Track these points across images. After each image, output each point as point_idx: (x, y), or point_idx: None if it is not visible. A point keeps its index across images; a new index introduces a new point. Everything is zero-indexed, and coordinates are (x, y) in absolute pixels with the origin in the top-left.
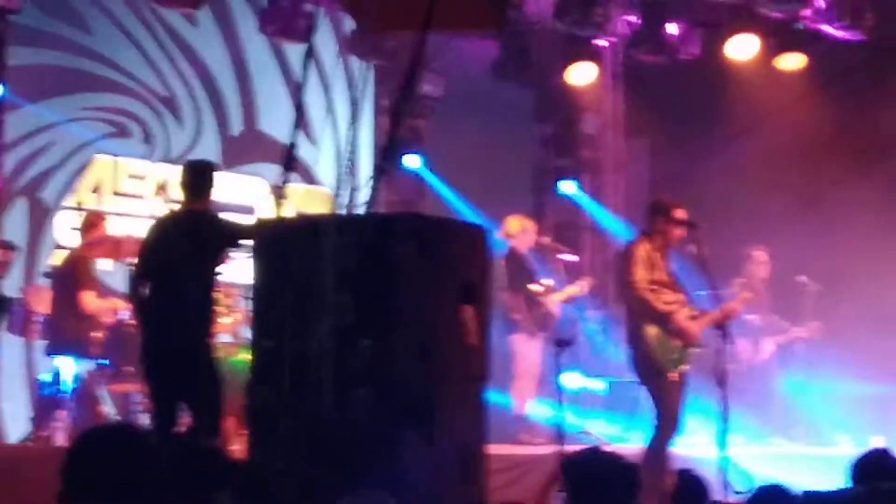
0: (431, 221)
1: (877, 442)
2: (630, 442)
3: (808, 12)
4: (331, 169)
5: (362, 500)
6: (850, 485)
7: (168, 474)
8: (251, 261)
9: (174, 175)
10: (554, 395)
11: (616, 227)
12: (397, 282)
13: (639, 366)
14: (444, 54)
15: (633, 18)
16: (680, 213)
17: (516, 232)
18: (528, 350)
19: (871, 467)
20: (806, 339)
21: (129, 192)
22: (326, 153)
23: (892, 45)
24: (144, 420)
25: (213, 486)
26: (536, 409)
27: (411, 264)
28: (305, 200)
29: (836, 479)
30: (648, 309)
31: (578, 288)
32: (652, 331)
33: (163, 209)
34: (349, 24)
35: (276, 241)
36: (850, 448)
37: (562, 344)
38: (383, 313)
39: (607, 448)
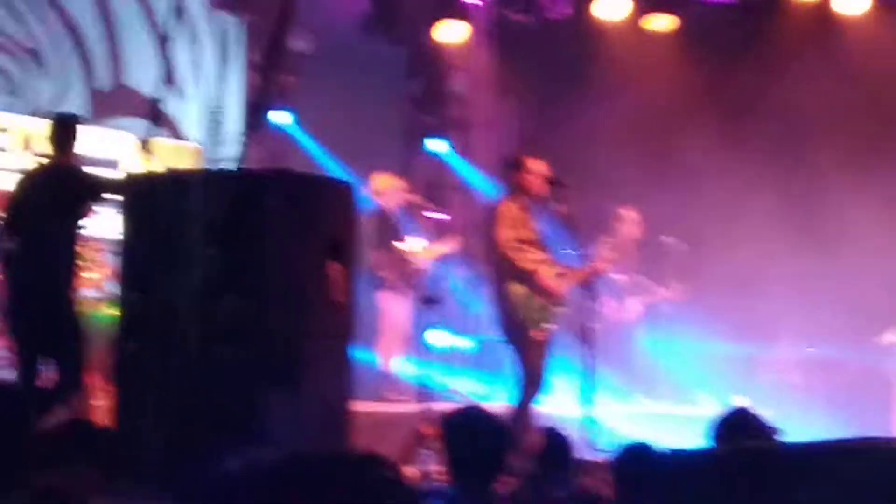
0: (299, 177)
1: (739, 401)
2: (496, 400)
3: None
4: (199, 124)
5: (248, 457)
6: (711, 443)
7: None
8: (118, 215)
9: (40, 128)
10: (420, 352)
11: (484, 185)
12: (264, 237)
13: (504, 324)
14: (314, 10)
15: None
16: (536, 165)
17: (384, 189)
18: (394, 307)
19: (733, 426)
20: (671, 299)
21: None
22: (195, 108)
23: (760, 7)
24: (10, 375)
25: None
26: (402, 367)
27: (278, 220)
28: (173, 155)
29: (699, 438)
30: (513, 267)
31: (447, 246)
32: (517, 289)
33: (29, 162)
34: None
35: (144, 195)
36: (712, 407)
37: (429, 302)
38: (250, 268)
39: (479, 406)
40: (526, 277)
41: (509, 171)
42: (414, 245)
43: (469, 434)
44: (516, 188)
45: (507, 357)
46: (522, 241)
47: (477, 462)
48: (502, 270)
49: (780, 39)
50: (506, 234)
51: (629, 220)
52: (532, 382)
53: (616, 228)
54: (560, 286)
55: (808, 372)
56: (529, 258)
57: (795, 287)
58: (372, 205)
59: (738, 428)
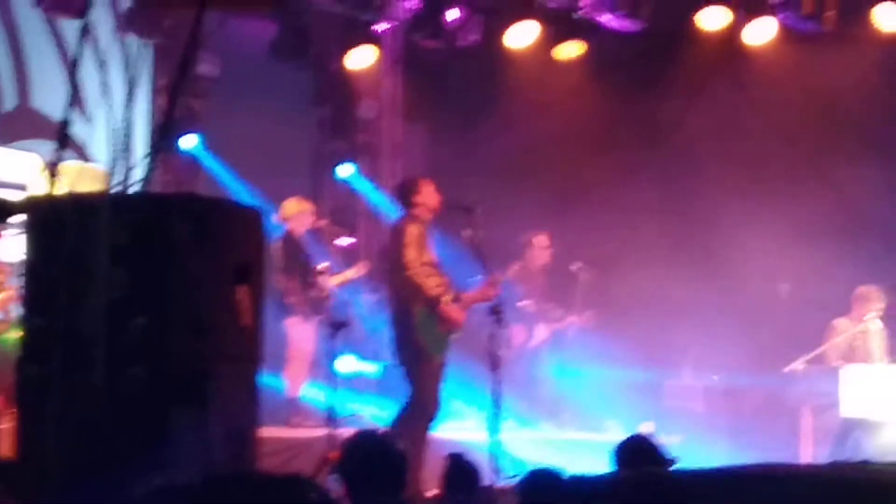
0: (206, 201)
1: (646, 427)
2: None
3: (586, 1)
4: (105, 147)
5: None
6: (613, 469)
7: None
8: (23, 237)
9: None
10: (327, 378)
11: (392, 211)
12: (171, 260)
13: (402, 348)
14: (223, 34)
15: (412, 3)
16: (429, 188)
17: (293, 214)
18: (301, 333)
19: (632, 452)
20: (579, 325)
21: None
22: (101, 131)
23: (669, 35)
24: None
25: None
26: (309, 392)
27: (186, 243)
28: (79, 178)
29: (605, 465)
30: (420, 292)
31: (355, 271)
32: (421, 314)
33: None
34: (126, 1)
35: (49, 217)
36: (618, 434)
37: (336, 327)
38: (157, 291)
39: (378, 431)
40: (430, 303)
41: (405, 193)
42: (322, 270)
43: (366, 458)
44: (414, 209)
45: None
46: (426, 265)
47: (374, 486)
48: (407, 294)
49: (688, 68)
50: (413, 256)
51: (539, 246)
52: (424, 408)
53: (526, 254)
54: (459, 315)
55: (712, 399)
56: (433, 283)
57: (700, 315)
58: (280, 230)
59: (638, 454)
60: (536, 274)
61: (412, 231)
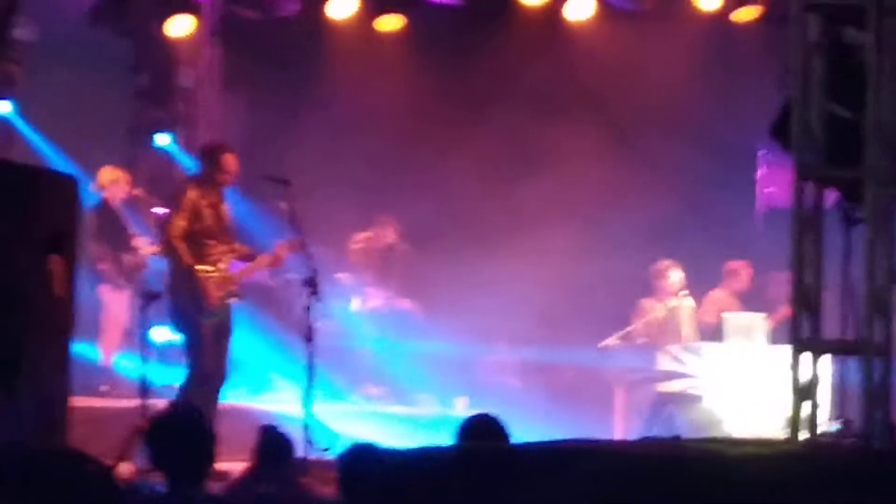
0: (19, 169)
1: (460, 403)
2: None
3: None
4: None
5: None
6: (454, 444)
7: None
8: None
9: None
10: (142, 348)
11: None
12: None
13: (171, 311)
14: None
15: None
16: (230, 157)
17: (108, 182)
18: (114, 302)
19: (477, 429)
20: (397, 304)
21: None
22: None
23: (488, 11)
24: None
25: None
26: (122, 362)
27: None
28: None
29: (418, 439)
30: (177, 260)
31: None
32: (179, 280)
33: None
34: None
35: None
36: (433, 408)
37: (150, 297)
38: None
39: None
40: (186, 272)
41: (203, 157)
42: (137, 239)
43: (174, 430)
44: (204, 175)
45: None
46: (201, 233)
47: (182, 458)
48: (169, 259)
49: (509, 43)
50: (179, 223)
51: (385, 224)
52: (201, 375)
53: (373, 231)
54: (214, 292)
55: (526, 374)
56: (207, 252)
57: (514, 289)
58: (95, 198)
59: (484, 432)
60: (376, 252)
61: (187, 198)
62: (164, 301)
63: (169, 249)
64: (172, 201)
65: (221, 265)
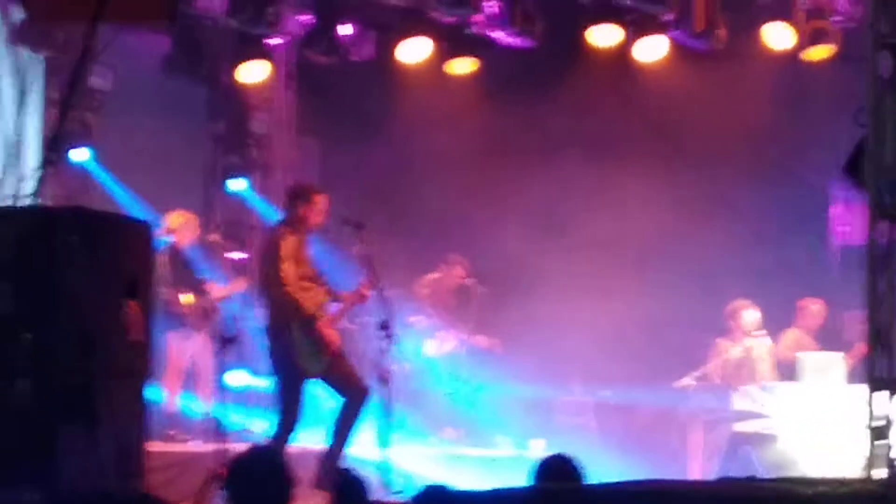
0: (95, 215)
1: (536, 445)
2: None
3: (479, 17)
4: None
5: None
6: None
7: None
8: None
9: None
10: (217, 392)
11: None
12: (59, 274)
13: (277, 361)
14: (116, 47)
15: (306, 18)
16: (320, 198)
17: (178, 226)
18: (188, 346)
19: (553, 470)
20: (475, 344)
21: None
22: None
23: (560, 53)
24: None
25: None
26: (195, 406)
27: (74, 257)
28: None
29: (495, 481)
30: (298, 309)
31: (239, 285)
32: (297, 331)
33: None
34: (18, 13)
35: None
36: (509, 450)
37: (226, 341)
38: (44, 305)
39: (266, 446)
40: (307, 321)
41: (294, 198)
42: (209, 284)
43: (254, 474)
44: (297, 219)
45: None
46: (304, 278)
47: (260, 502)
48: (284, 309)
49: (580, 85)
50: (290, 271)
51: (454, 264)
52: (291, 421)
53: (442, 272)
54: (334, 337)
55: (603, 415)
56: (310, 299)
57: (589, 330)
58: (165, 242)
59: (558, 473)
60: (447, 293)
61: (288, 244)
62: (266, 344)
63: (285, 299)
64: (269, 248)
65: (322, 311)
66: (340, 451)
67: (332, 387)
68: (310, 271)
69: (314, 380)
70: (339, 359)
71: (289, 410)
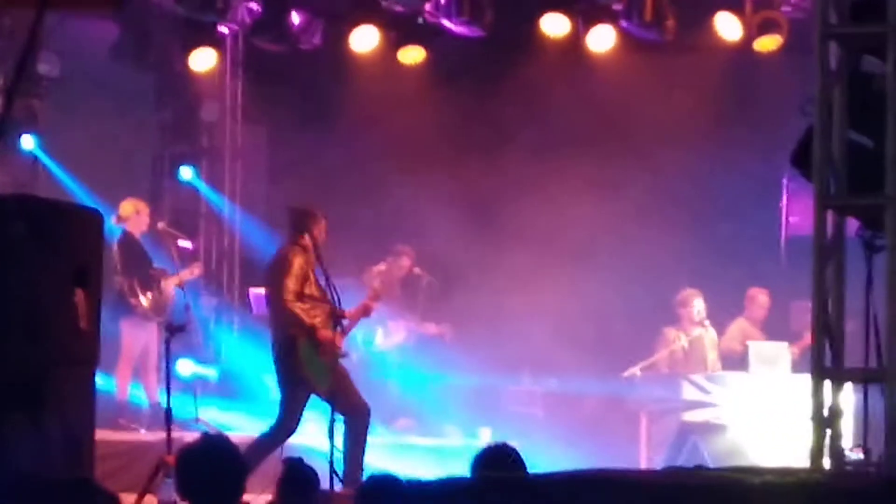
0: (43, 203)
1: (485, 433)
2: (238, 429)
3: (429, 6)
4: None
5: None
6: (470, 474)
7: None
8: None
9: None
10: (165, 380)
11: (233, 214)
12: (6, 263)
13: (285, 375)
14: (63, 34)
15: (254, 6)
16: (321, 224)
17: (129, 215)
18: (138, 335)
19: (491, 459)
20: (424, 334)
21: None
22: None
23: (509, 42)
24: None
25: None
26: (143, 395)
27: (21, 246)
28: None
29: (445, 469)
30: (299, 321)
31: (189, 272)
32: (304, 345)
33: None
34: None
35: None
36: (458, 439)
37: (174, 329)
38: None
39: (218, 436)
40: (310, 332)
41: (302, 221)
42: (159, 273)
43: (203, 463)
44: (308, 239)
45: (251, 387)
46: (308, 297)
47: (212, 492)
48: (288, 323)
49: (530, 74)
50: (291, 286)
51: (405, 255)
52: (285, 429)
53: (391, 262)
54: (338, 339)
55: (550, 404)
56: (308, 311)
57: (536, 319)
58: (118, 231)
59: (499, 462)
60: (395, 283)
61: (296, 262)
62: (273, 357)
63: (285, 313)
64: (276, 265)
65: (324, 326)
66: (359, 470)
67: (336, 406)
68: (317, 292)
69: (318, 397)
70: (342, 377)
71: (289, 419)
